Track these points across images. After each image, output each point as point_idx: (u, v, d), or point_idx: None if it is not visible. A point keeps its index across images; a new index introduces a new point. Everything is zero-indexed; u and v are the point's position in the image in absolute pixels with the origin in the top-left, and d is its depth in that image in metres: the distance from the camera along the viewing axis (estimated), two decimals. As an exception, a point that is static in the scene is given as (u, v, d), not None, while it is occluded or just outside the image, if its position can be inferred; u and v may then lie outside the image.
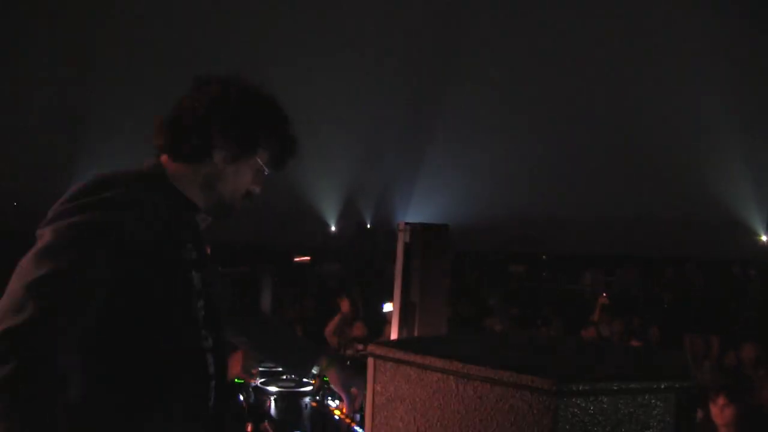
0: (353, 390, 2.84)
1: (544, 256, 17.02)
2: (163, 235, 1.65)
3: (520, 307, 11.23)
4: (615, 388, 1.01)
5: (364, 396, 2.84)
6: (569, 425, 0.99)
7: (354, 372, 2.98)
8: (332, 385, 2.87)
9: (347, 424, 2.69)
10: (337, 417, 2.75)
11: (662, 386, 1.06)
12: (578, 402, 0.99)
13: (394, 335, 4.59)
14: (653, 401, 1.03)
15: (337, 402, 2.86)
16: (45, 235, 1.51)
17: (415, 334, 4.48)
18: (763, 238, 17.12)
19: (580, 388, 0.99)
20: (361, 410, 2.81)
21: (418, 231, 4.57)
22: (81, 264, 1.47)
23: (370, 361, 1.29)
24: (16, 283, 1.43)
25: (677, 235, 17.59)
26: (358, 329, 8.02)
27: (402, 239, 4.66)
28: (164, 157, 1.80)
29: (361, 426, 2.65)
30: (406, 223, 4.54)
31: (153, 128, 1.79)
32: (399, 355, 1.24)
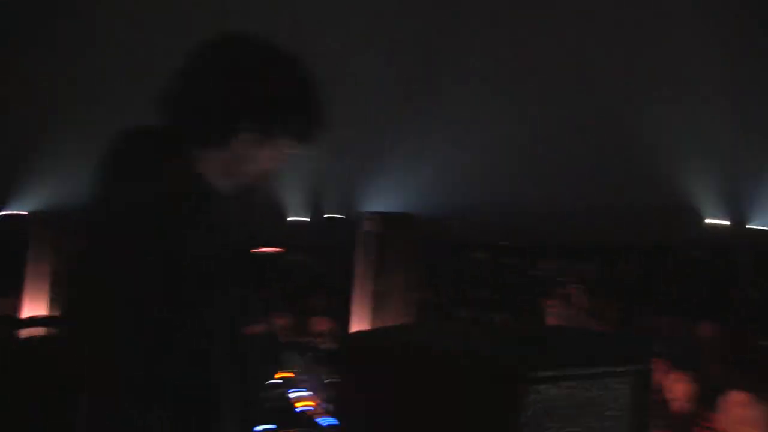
0: (323, 383, 2.85)
1: (506, 244, 17.18)
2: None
3: (485, 293, 11.37)
4: (576, 373, 1.05)
5: (331, 388, 2.88)
6: (532, 411, 1.02)
7: (321, 365, 3.01)
8: (300, 378, 2.90)
9: (314, 415, 2.72)
10: (303, 408, 2.78)
11: (621, 370, 1.10)
12: (541, 388, 1.03)
13: (357, 324, 4.64)
14: (613, 384, 1.08)
15: (303, 394, 2.89)
16: None
17: (381, 323, 4.54)
18: (708, 221, 17.52)
19: (543, 374, 1.03)
20: (329, 402, 2.85)
21: (382, 220, 4.63)
22: None
23: (341, 352, 1.31)
24: None
25: (632, 223, 17.90)
26: (322, 323, 7.97)
27: (365, 229, 4.72)
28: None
29: (329, 417, 2.69)
30: (370, 213, 4.60)
31: (159, 103, 1.61)
32: (366, 343, 1.26)
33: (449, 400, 1.11)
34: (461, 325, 1.44)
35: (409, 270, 4.44)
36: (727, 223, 17.36)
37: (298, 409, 2.81)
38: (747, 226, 17.03)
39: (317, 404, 2.82)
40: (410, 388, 1.17)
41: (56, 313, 6.77)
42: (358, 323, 4.51)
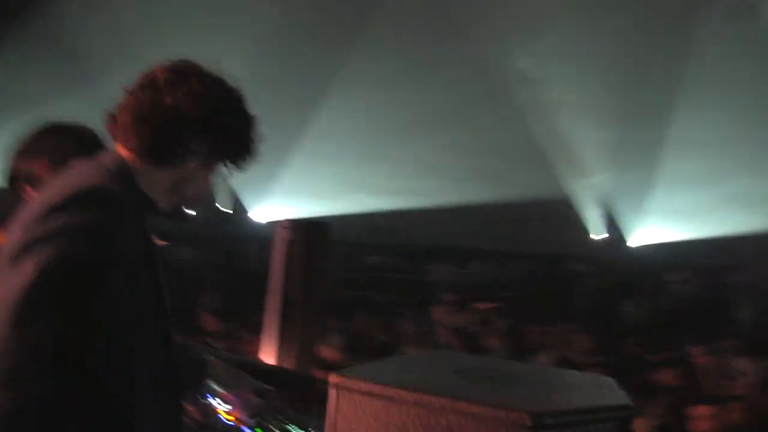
0: (248, 395, 2.79)
1: (399, 248, 17.40)
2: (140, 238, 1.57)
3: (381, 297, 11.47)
4: (576, 419, 1.09)
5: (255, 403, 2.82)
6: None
7: (241, 373, 2.94)
8: (218, 387, 2.82)
9: (238, 427, 2.65)
10: (226, 420, 2.70)
11: (609, 415, 1.16)
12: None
13: (270, 332, 4.58)
14: (603, 426, 1.13)
15: (223, 404, 2.81)
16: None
17: (296, 329, 4.50)
18: (594, 236, 18.43)
19: (549, 421, 1.06)
20: (255, 418, 2.78)
21: (301, 228, 4.59)
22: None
23: (332, 392, 1.28)
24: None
25: (522, 230, 18.54)
26: (211, 323, 7.72)
27: (282, 236, 4.66)
28: (125, 152, 1.66)
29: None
30: (289, 221, 4.55)
31: (115, 121, 1.67)
32: (364, 387, 1.24)
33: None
34: (441, 360, 1.41)
35: (318, 275, 4.43)
36: (609, 237, 18.41)
37: (225, 420, 2.73)
38: (627, 243, 18.15)
39: (246, 418, 2.75)
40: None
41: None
42: (270, 330, 4.46)
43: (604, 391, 1.28)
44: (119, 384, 1.50)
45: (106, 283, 1.38)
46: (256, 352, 4.92)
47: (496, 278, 15.55)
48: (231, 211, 16.45)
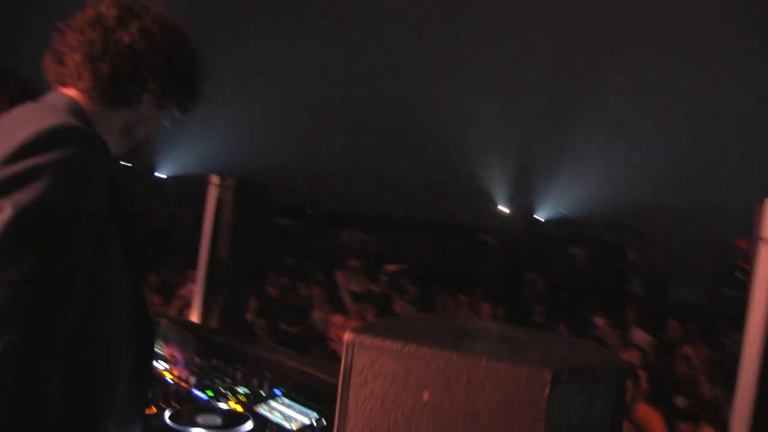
0: (189, 354, 2.75)
1: (308, 211, 17.34)
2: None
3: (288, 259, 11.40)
4: (589, 376, 1.13)
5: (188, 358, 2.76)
6: (555, 411, 1.09)
7: (184, 332, 2.87)
8: (166, 346, 2.75)
9: (185, 387, 2.60)
10: (170, 380, 2.64)
11: (612, 374, 1.21)
12: (562, 391, 1.10)
13: (197, 292, 4.48)
14: (608, 384, 1.19)
15: (162, 363, 2.74)
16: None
17: (224, 290, 4.42)
18: (502, 208, 18.96)
19: (567, 378, 1.10)
20: (194, 374, 2.73)
21: (234, 186, 4.48)
22: None
23: (347, 349, 1.26)
24: None
25: (428, 200, 18.81)
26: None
27: (213, 194, 4.54)
28: (74, 93, 1.55)
29: (199, 390, 2.58)
30: (220, 177, 4.43)
31: (61, 62, 1.57)
32: (382, 344, 1.23)
33: (477, 402, 1.14)
34: (446, 322, 1.43)
35: (248, 236, 4.36)
36: (517, 211, 19.00)
37: (169, 380, 2.67)
38: (529, 216, 18.75)
39: (186, 375, 2.70)
40: (435, 392, 1.17)
41: None
42: (198, 290, 4.37)
43: (601, 353, 1.33)
44: (96, 325, 1.47)
45: (84, 222, 1.33)
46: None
47: (406, 246, 15.75)
48: (131, 165, 15.85)
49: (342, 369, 1.21)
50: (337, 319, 6.30)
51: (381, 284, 10.29)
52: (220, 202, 4.34)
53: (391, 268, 10.40)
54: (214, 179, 4.41)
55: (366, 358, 1.20)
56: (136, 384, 1.62)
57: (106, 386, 1.53)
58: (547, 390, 1.09)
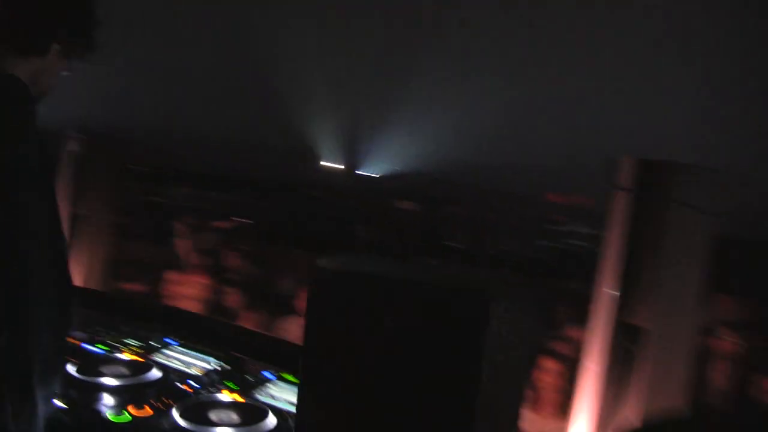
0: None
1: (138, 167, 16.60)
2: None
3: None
4: (524, 293, 1.42)
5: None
6: (497, 326, 1.36)
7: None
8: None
9: (74, 344, 2.61)
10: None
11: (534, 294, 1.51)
12: (500, 309, 1.37)
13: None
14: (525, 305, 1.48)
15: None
16: None
17: (83, 246, 4.32)
18: (328, 165, 19.27)
19: (504, 297, 1.37)
20: (86, 333, 2.74)
21: (91, 142, 4.35)
22: None
23: (311, 282, 1.46)
24: None
25: (253, 159, 18.67)
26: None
27: (70, 149, 4.39)
28: None
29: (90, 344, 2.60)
30: (77, 133, 4.29)
31: None
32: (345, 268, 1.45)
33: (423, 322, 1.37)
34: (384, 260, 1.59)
35: (110, 194, 4.32)
36: (341, 167, 19.42)
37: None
38: (357, 172, 19.31)
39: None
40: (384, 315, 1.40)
41: None
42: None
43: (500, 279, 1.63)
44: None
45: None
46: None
47: (234, 203, 15.61)
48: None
49: (307, 300, 1.43)
50: (173, 275, 6.23)
51: (212, 241, 10.21)
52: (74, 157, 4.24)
53: (221, 224, 10.36)
54: (70, 134, 4.31)
55: (325, 287, 1.43)
56: (57, 335, 1.65)
57: (29, 337, 1.56)
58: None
